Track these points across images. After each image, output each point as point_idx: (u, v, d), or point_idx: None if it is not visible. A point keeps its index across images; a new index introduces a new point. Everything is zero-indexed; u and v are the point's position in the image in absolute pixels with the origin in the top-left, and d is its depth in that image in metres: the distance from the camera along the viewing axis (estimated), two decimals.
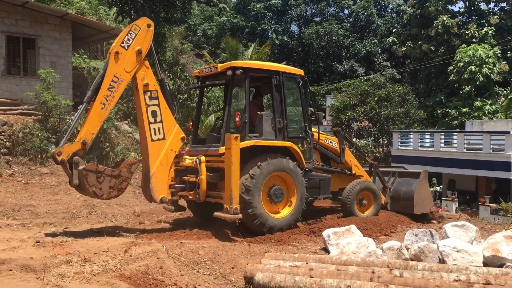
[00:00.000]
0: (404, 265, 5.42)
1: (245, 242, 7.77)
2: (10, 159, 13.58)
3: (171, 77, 20.46)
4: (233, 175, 7.47)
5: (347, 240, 6.93)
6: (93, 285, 4.90)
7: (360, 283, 4.61)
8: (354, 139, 30.58)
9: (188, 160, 8.22)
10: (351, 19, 51.04)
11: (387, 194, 10.75)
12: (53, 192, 11.77)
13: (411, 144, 26.46)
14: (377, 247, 6.78)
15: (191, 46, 35.58)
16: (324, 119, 39.01)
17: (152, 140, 7.95)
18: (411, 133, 27.35)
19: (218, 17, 48.19)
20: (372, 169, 10.94)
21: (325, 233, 7.37)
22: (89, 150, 15.77)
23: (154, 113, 7.99)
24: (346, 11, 52.04)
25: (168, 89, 8.57)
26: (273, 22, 50.49)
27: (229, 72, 8.18)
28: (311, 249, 7.49)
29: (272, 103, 8.77)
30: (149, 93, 7.97)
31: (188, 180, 8.23)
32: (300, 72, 9.19)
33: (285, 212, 8.40)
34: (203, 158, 8.02)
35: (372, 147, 29.77)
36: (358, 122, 31.09)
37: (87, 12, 24.03)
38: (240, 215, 7.58)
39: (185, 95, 19.66)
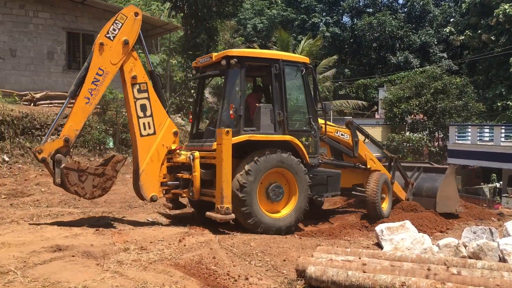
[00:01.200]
0: (462, 263, 5.25)
1: (296, 235, 7.77)
2: (71, 150, 14.19)
3: None
4: (224, 172, 7.09)
5: (401, 236, 6.80)
6: (149, 273, 5.05)
7: (415, 280, 4.50)
8: (407, 133, 29.76)
9: (182, 156, 7.80)
10: (405, 9, 49.50)
11: (409, 190, 10.18)
12: None
13: (469, 138, 25.46)
14: (433, 244, 6.61)
15: (242, 40, 35.75)
16: (376, 112, 38.24)
17: (142, 135, 7.54)
18: (469, 126, 26.30)
19: (268, 10, 48.09)
20: (392, 163, 10.14)
21: (378, 228, 7.26)
22: None
23: (143, 107, 7.55)
24: (400, 1, 50.71)
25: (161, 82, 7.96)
26: (324, 14, 49.82)
27: (223, 62, 7.68)
28: (363, 244, 7.40)
29: (271, 94, 8.23)
30: (137, 86, 7.53)
31: (182, 177, 7.76)
32: (305, 59, 8.57)
33: (285, 211, 7.83)
34: (197, 154, 7.62)
35: (427, 141, 28.88)
36: (412, 115, 30.25)
37: (141, 8, 24.70)
38: (233, 215, 7.21)
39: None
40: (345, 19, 52.03)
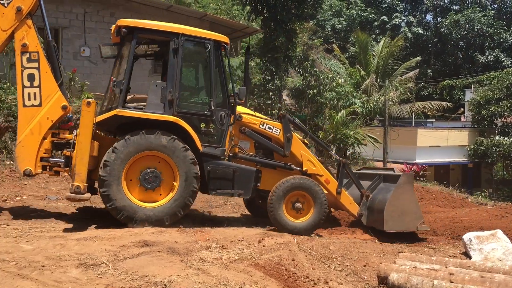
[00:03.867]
0: None
1: (376, 240, 7.59)
2: None
3: (301, 72, 20.65)
4: (79, 146, 6.56)
5: (491, 246, 6.41)
6: (230, 271, 5.16)
7: None
8: (497, 137, 27.95)
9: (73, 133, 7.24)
10: (495, 6, 46.58)
11: (362, 202, 8.28)
12: None
13: None
14: None
15: (320, 41, 35.53)
16: (462, 115, 36.33)
17: (25, 105, 7.07)
18: None
19: (347, 11, 47.33)
20: (344, 168, 8.39)
21: (466, 236, 6.89)
22: None
23: (31, 77, 7.09)
24: None
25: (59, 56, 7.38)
26: (406, 13, 48.14)
27: (116, 33, 7.20)
28: (449, 252, 7.06)
29: (166, 71, 7.40)
30: (27, 55, 7.09)
31: (65, 155, 7.08)
32: (217, 37, 7.55)
33: (166, 199, 6.99)
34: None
35: None
36: (503, 118, 28.36)
37: (221, 13, 25.36)
38: (85, 196, 6.58)
39: (315, 91, 19.67)
40: (428, 17, 49.96)
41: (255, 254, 5.85)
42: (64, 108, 7.18)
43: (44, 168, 7.07)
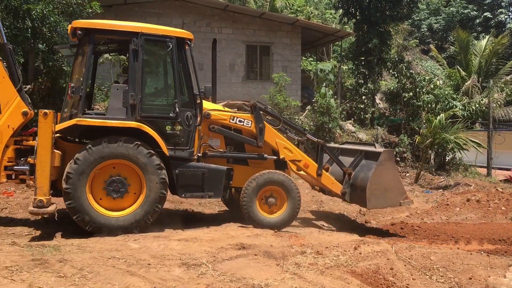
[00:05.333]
0: None
1: (483, 252, 7.11)
2: None
3: (396, 75, 19.96)
4: (38, 159, 6.32)
5: None
6: (326, 278, 5.12)
7: None
8: None
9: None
10: None
11: (345, 181, 8.24)
12: None
13: None
14: None
15: (416, 42, 34.13)
16: None
17: None
18: None
19: (445, 8, 44.90)
20: (322, 150, 8.31)
21: None
22: None
23: None
24: None
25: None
26: (511, 8, 44.68)
27: (72, 35, 6.85)
28: None
29: (127, 73, 7.06)
30: None
31: (29, 163, 6.77)
32: (180, 33, 7.25)
33: (134, 206, 6.74)
34: None
35: None
36: None
37: (313, 17, 25.30)
38: (49, 209, 6.32)
39: (411, 93, 18.88)
40: None
41: (351, 261, 5.76)
42: (25, 114, 6.86)
43: (9, 177, 6.87)
